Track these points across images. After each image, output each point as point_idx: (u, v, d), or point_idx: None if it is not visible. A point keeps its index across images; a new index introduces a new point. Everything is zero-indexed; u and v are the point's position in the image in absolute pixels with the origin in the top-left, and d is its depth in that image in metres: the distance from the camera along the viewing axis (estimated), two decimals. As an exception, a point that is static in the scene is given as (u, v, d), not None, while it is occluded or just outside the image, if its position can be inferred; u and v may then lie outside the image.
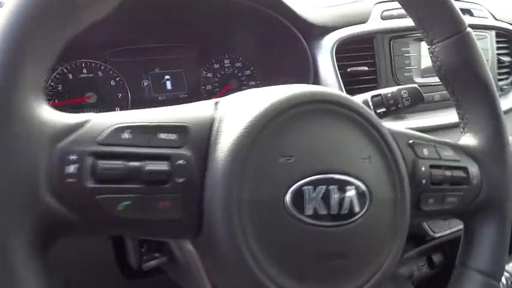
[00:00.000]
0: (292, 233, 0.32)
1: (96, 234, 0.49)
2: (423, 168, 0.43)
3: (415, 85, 0.61)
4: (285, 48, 0.88)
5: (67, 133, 0.29)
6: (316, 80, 0.84)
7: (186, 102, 0.90)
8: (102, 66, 0.85)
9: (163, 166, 0.31)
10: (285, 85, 0.38)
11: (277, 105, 0.34)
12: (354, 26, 0.84)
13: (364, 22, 0.85)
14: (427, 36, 0.48)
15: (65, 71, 0.82)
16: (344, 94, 0.39)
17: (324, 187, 0.34)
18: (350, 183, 0.35)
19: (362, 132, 0.38)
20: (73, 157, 0.28)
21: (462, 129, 0.50)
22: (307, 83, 0.84)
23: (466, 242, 0.49)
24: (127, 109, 0.86)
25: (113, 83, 0.86)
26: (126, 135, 0.31)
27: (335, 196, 0.34)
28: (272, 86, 0.39)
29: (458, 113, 0.51)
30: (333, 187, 0.34)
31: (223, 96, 0.92)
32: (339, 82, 0.81)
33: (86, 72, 0.84)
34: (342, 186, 0.35)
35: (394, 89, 0.61)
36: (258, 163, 0.33)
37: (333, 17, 0.83)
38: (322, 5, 0.85)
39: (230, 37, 0.94)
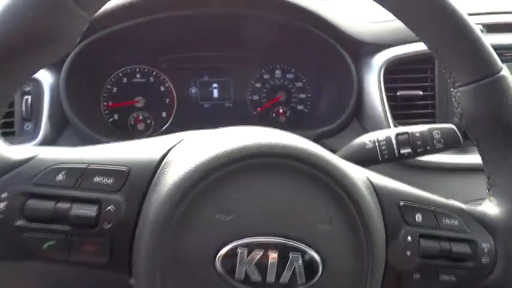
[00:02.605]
0: None
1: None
2: (409, 238, 0.37)
3: (452, 125, 0.53)
4: (332, 65, 0.83)
5: (7, 169, 0.31)
6: (360, 102, 0.77)
7: (231, 112, 0.93)
8: (154, 72, 0.89)
9: (91, 211, 0.31)
10: (242, 130, 0.36)
11: (216, 160, 0.32)
12: (411, 44, 0.75)
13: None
14: (448, 76, 0.41)
15: (121, 75, 0.88)
16: (303, 144, 0.33)
17: (261, 251, 0.31)
18: (295, 250, 0.32)
19: (322, 190, 0.33)
20: (4, 195, 0.30)
21: (487, 191, 0.42)
22: (349, 104, 0.79)
23: None
24: (173, 115, 0.90)
25: (162, 88, 0.90)
26: (60, 176, 0.32)
27: (272, 262, 0.31)
28: (230, 130, 0.37)
29: (485, 170, 0.43)
30: (272, 252, 0.31)
31: (269, 108, 0.92)
32: (384, 106, 0.73)
33: (139, 77, 0.89)
34: (284, 252, 0.32)
35: (425, 128, 0.53)
36: (189, 219, 0.31)
37: (386, 34, 0.76)
38: (376, 19, 0.77)
39: (283, 49, 0.92)
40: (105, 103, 0.87)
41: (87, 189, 0.32)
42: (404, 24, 0.40)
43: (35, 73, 0.32)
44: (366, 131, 0.78)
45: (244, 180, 0.32)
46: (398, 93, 0.75)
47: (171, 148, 0.35)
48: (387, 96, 0.74)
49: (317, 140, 0.79)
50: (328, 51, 0.78)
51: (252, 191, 0.33)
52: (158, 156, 0.34)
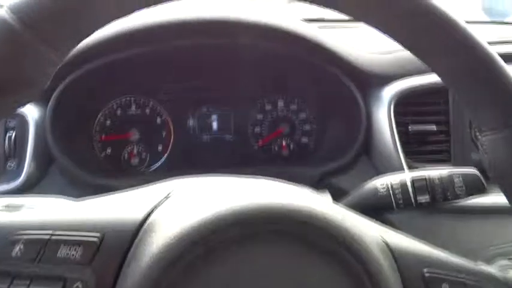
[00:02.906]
0: None
1: None
2: None
3: (474, 171, 0.47)
4: (338, 96, 0.78)
5: None
6: (369, 137, 0.72)
7: (231, 145, 0.87)
8: (150, 103, 0.85)
9: None
10: (239, 183, 0.31)
11: (206, 226, 0.26)
12: (424, 76, 0.70)
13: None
14: (472, 118, 0.35)
15: (115, 106, 0.83)
16: (309, 205, 0.29)
17: None
18: None
19: (331, 262, 0.28)
20: None
21: None
22: (357, 139, 0.74)
23: None
24: (169, 149, 0.85)
25: (158, 120, 0.85)
26: (17, 250, 0.26)
27: None
28: (226, 181, 0.31)
29: None
30: None
31: (272, 141, 0.86)
32: (395, 142, 0.68)
33: (134, 108, 0.84)
34: None
35: (445, 172, 0.48)
36: None
37: (396, 64, 0.71)
38: (386, 49, 0.73)
39: (286, 79, 0.87)
40: (97, 136, 0.82)
41: (50, 263, 0.26)
42: (418, 58, 0.34)
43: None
44: (375, 168, 0.73)
45: (240, 253, 0.27)
46: (410, 128, 0.70)
47: (154, 208, 0.30)
48: (398, 132, 0.69)
49: (323, 178, 0.73)
50: (334, 82, 0.73)
51: (248, 265, 0.27)
52: (138, 219, 0.29)
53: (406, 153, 0.69)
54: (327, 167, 0.73)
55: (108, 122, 0.83)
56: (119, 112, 0.83)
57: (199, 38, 0.73)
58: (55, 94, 0.65)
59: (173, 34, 0.72)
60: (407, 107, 0.71)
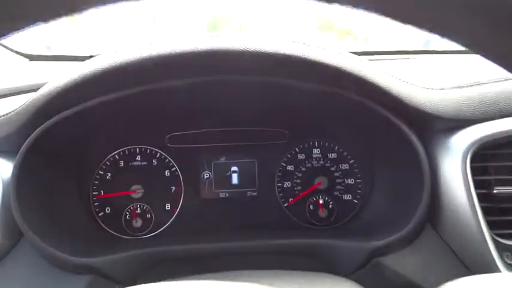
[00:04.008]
0: None
1: None
2: None
3: None
4: (389, 143, 0.60)
5: None
6: (435, 199, 0.53)
7: (255, 204, 0.71)
8: (158, 154, 0.71)
9: None
10: None
11: None
12: (507, 119, 0.52)
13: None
14: None
15: (117, 157, 0.70)
16: None
17: None
18: None
19: None
20: None
21: None
22: (420, 201, 0.55)
23: None
24: (179, 208, 0.69)
25: (167, 173, 0.71)
26: None
27: None
28: None
29: None
30: None
31: (305, 198, 0.69)
32: (473, 209, 0.49)
33: (139, 159, 0.71)
34: None
35: None
36: None
37: (467, 104, 0.53)
38: (451, 84, 0.55)
39: (322, 122, 0.71)
40: (96, 193, 0.69)
41: None
42: None
43: None
44: (446, 243, 0.54)
45: None
46: (494, 191, 0.50)
47: None
48: (478, 195, 0.50)
49: (372, 257, 0.54)
50: (384, 125, 0.55)
51: None
52: None
53: (490, 225, 0.50)
54: (379, 241, 0.54)
55: (109, 175, 0.69)
56: (121, 164, 0.70)
57: (213, 74, 0.58)
58: (22, 150, 0.51)
59: (185, 71, 0.57)
60: (490, 161, 0.52)
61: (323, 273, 0.51)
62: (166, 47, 0.48)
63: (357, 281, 0.50)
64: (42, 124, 0.50)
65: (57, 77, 0.49)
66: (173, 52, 0.48)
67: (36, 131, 0.50)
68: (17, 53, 0.81)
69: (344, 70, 0.50)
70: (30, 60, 0.80)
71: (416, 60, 0.80)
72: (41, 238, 0.50)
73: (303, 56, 0.49)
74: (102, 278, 0.52)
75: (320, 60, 0.49)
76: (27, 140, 0.50)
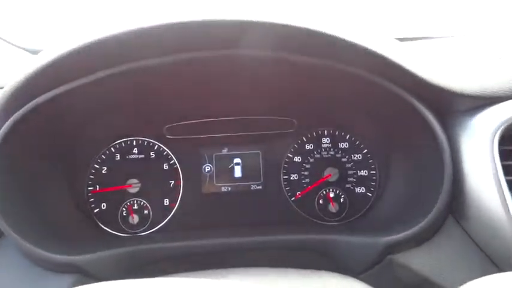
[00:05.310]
0: None
1: None
2: None
3: None
4: (405, 127, 0.54)
5: None
6: (458, 188, 0.47)
7: (259, 197, 0.65)
8: (156, 146, 0.66)
9: None
10: None
11: None
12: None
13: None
14: None
15: (113, 150, 0.66)
16: None
17: None
18: None
19: None
20: None
21: None
22: (440, 191, 0.49)
23: None
24: (178, 203, 0.65)
25: (165, 166, 0.66)
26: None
27: None
28: None
29: None
30: None
31: (314, 191, 0.64)
32: (503, 198, 0.43)
33: (136, 152, 0.66)
34: None
35: None
36: None
37: (494, 79, 0.46)
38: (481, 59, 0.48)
39: (332, 108, 0.65)
40: (91, 188, 0.65)
41: None
42: None
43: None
44: (470, 237, 0.47)
45: None
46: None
47: None
48: (508, 182, 0.43)
49: (386, 254, 0.48)
50: (402, 107, 0.49)
51: None
52: None
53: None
54: (395, 235, 0.48)
55: (104, 169, 0.65)
56: (117, 157, 0.66)
57: (214, 49, 0.52)
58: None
59: (182, 48, 0.52)
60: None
61: (325, 272, 0.46)
62: (153, 19, 0.43)
63: (367, 281, 0.45)
64: (16, 112, 0.46)
65: (31, 61, 0.45)
66: (163, 24, 0.43)
67: (10, 119, 0.46)
68: (21, 48, 0.78)
69: (365, 48, 0.44)
70: (34, 55, 0.78)
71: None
72: (21, 235, 0.46)
73: (316, 29, 0.43)
74: (87, 278, 0.47)
75: (337, 35, 0.44)
76: (1, 130, 0.46)
